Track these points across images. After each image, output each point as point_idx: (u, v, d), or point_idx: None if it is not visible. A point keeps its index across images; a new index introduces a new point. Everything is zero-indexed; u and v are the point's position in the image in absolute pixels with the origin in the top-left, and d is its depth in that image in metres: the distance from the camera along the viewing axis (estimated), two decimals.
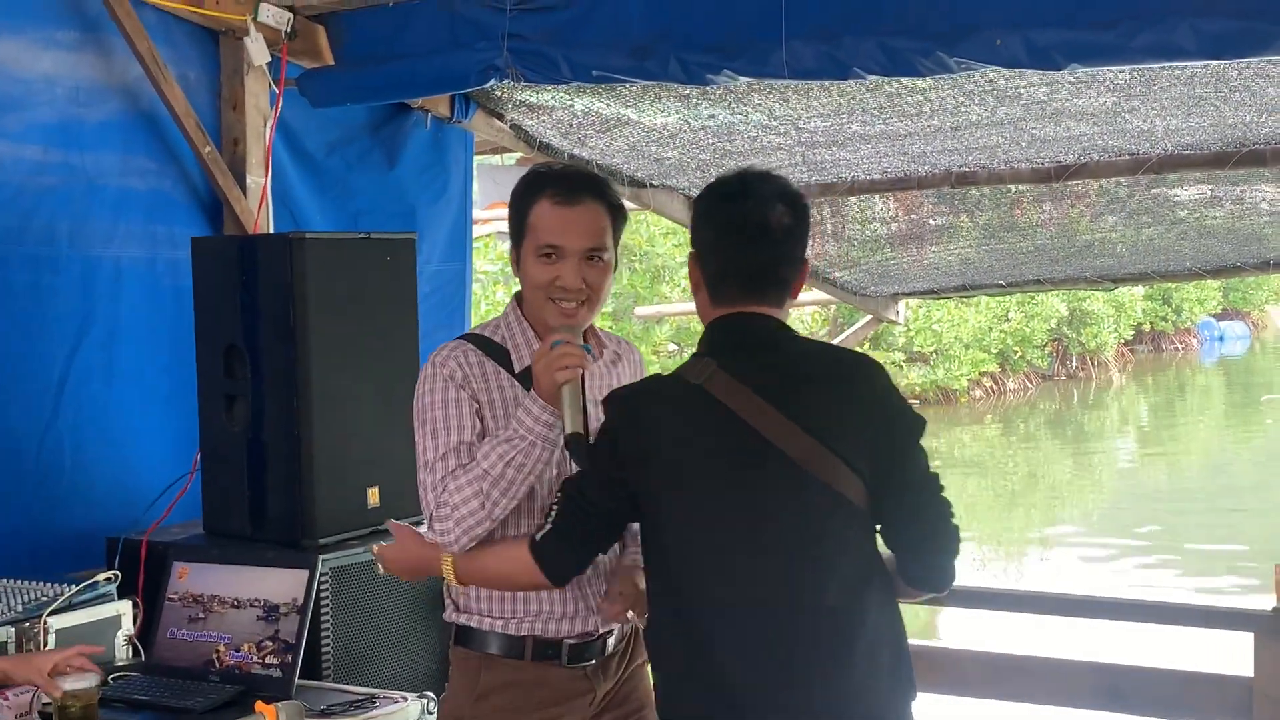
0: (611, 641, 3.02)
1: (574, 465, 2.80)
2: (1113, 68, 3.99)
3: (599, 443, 2.76)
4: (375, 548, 3.07)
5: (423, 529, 2.97)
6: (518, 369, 2.97)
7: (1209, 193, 5.91)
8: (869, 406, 2.68)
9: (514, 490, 2.80)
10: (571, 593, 2.94)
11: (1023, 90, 4.57)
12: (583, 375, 2.78)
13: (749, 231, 2.71)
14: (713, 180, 2.86)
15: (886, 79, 4.01)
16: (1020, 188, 5.94)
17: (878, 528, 2.71)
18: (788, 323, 2.82)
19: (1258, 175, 5.55)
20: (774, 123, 5.08)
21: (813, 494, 2.62)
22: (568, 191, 2.94)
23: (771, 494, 2.64)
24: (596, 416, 2.82)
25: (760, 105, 4.85)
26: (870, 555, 2.69)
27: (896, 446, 2.67)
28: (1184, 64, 3.86)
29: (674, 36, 3.98)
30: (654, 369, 3.13)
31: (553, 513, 2.77)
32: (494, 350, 3.00)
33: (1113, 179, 5.72)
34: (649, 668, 2.92)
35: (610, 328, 11.77)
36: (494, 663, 2.96)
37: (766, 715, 2.62)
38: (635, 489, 2.72)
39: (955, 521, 2.71)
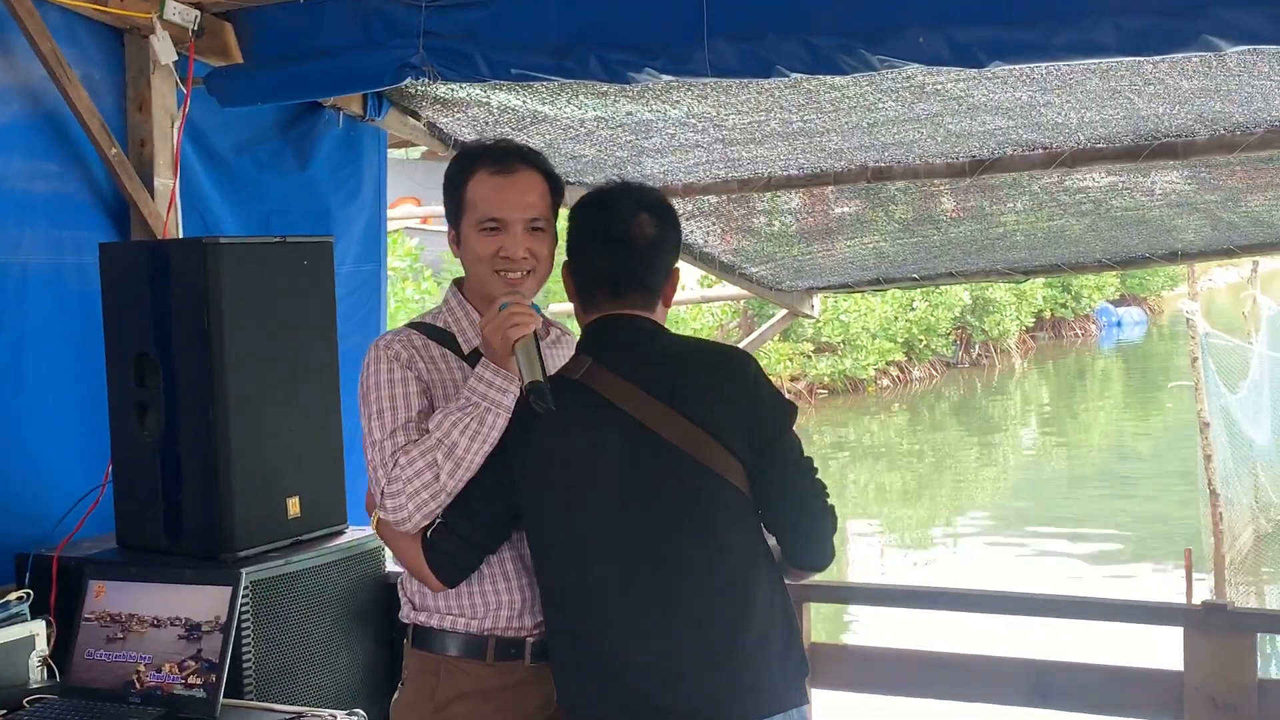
0: None
1: None
2: (1034, 64, 4.01)
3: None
4: None
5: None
6: (466, 350, 2.92)
7: (1117, 183, 5.95)
8: (743, 394, 2.76)
9: (468, 461, 2.75)
10: (528, 579, 2.88)
11: (940, 86, 4.57)
12: (535, 332, 2.75)
13: (612, 241, 2.82)
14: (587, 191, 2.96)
15: (806, 76, 3.99)
16: (933, 181, 5.96)
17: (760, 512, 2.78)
18: (666, 323, 2.90)
19: (1166, 165, 5.60)
20: (692, 120, 5.05)
21: (696, 477, 2.69)
22: (503, 162, 2.91)
23: (656, 478, 2.70)
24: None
25: (679, 102, 4.82)
26: (756, 537, 2.77)
27: (770, 431, 2.77)
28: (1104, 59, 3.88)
29: (594, 34, 3.91)
30: None
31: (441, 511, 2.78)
32: (439, 336, 2.95)
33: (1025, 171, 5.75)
34: None
35: None
36: (452, 669, 2.89)
37: (660, 698, 2.66)
38: (520, 486, 2.78)
39: (830, 501, 2.80)
